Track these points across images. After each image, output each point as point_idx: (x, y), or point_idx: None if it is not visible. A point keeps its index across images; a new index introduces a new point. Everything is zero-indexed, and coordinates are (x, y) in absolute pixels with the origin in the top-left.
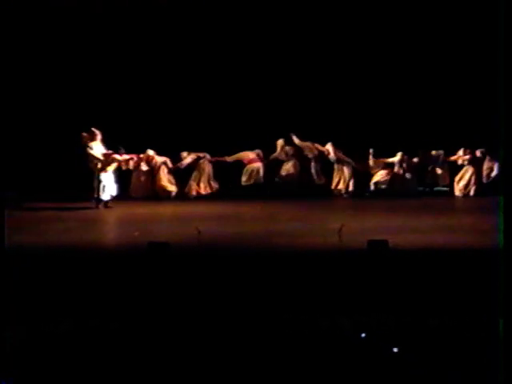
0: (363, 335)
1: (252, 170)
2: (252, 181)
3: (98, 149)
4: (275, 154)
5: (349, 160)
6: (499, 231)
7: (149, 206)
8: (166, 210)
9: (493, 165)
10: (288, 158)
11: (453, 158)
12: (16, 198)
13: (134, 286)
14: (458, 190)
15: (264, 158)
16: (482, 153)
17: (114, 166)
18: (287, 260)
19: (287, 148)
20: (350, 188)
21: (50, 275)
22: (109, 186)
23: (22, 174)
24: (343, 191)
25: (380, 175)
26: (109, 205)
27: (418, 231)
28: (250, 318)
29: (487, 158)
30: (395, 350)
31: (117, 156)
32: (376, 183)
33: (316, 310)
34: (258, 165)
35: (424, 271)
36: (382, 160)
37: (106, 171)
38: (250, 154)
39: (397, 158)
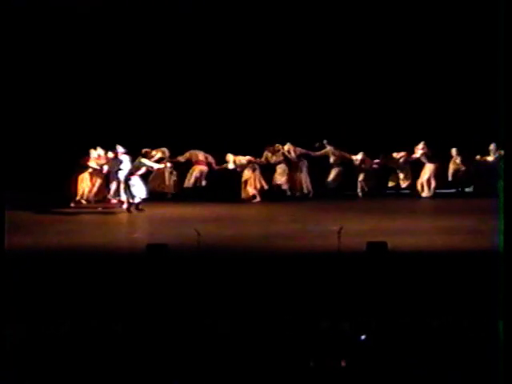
0: (363, 337)
1: (195, 173)
2: (191, 184)
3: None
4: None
5: (306, 152)
6: (499, 233)
7: (147, 207)
8: (164, 211)
9: (460, 166)
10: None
11: (413, 155)
12: (17, 199)
13: (133, 288)
14: (420, 189)
15: (212, 164)
16: (455, 152)
17: (143, 169)
18: (287, 262)
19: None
20: (306, 189)
21: (49, 277)
22: (138, 189)
23: (22, 175)
24: (300, 192)
25: (333, 175)
26: (140, 207)
27: (416, 233)
28: (248, 319)
29: (458, 157)
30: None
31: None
32: (328, 183)
33: (316, 312)
34: (203, 168)
35: (423, 273)
36: (342, 153)
37: (134, 175)
38: (200, 155)
39: (359, 157)
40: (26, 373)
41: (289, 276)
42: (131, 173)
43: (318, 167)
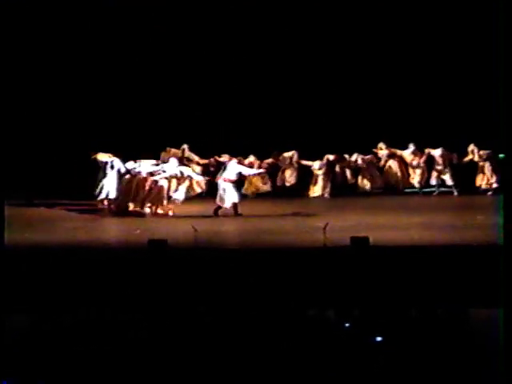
0: (347, 325)
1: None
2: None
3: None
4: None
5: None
6: (499, 228)
7: None
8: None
9: (344, 171)
10: None
11: (306, 163)
12: (28, 197)
13: (136, 279)
14: (313, 192)
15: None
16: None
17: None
18: (276, 255)
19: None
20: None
21: (57, 270)
22: (230, 195)
23: (33, 174)
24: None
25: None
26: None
27: (395, 228)
28: (241, 307)
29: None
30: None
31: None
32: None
33: (304, 301)
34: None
35: (402, 265)
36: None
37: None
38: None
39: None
40: (32, 361)
41: (278, 268)
42: (225, 179)
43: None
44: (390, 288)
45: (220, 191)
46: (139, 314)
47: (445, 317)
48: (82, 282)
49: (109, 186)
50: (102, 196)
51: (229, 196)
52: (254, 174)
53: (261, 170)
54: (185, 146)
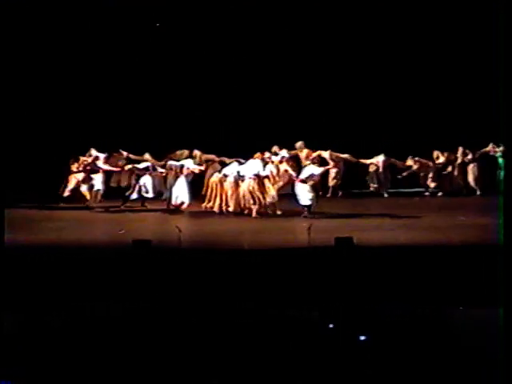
0: (331, 326)
1: None
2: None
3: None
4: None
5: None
6: (500, 229)
7: (133, 205)
8: (148, 208)
9: None
10: None
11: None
12: (11, 197)
13: (120, 279)
14: None
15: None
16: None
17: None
18: (261, 255)
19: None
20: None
21: (45, 271)
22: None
23: (15, 174)
24: None
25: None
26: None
27: (379, 228)
28: (223, 309)
29: None
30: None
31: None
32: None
33: (286, 301)
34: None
35: (386, 265)
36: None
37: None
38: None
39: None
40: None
41: (263, 268)
42: (299, 180)
43: None
44: (373, 287)
45: (297, 191)
46: (123, 313)
47: (427, 317)
48: (65, 282)
49: (180, 191)
50: (177, 201)
51: (303, 196)
52: (326, 170)
53: (329, 166)
54: (125, 154)
